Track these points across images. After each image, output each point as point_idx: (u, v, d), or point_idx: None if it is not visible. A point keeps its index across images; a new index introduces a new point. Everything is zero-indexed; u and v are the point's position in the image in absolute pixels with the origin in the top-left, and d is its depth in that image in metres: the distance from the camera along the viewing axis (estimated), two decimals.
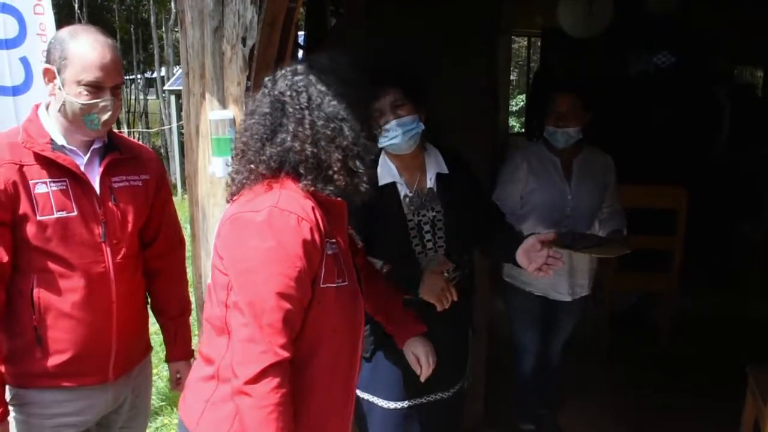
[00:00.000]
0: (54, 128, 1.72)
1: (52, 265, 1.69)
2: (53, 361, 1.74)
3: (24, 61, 2.94)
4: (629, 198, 3.97)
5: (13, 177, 1.63)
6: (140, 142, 2.08)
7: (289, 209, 1.38)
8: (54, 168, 1.68)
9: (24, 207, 1.64)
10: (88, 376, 1.81)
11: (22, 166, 1.64)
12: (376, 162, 2.24)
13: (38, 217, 1.65)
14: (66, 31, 1.71)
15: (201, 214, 2.68)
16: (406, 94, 2.11)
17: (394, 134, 2.08)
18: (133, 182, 1.87)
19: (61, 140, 1.71)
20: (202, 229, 2.69)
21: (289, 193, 1.42)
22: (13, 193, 1.63)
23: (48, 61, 1.69)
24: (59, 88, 1.67)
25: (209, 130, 2.23)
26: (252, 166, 1.47)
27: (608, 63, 5.97)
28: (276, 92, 1.47)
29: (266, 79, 1.52)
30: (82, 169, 1.75)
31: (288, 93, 1.45)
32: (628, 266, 4.12)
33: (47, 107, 1.77)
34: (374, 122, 2.16)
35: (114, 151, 1.83)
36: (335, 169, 1.43)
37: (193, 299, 4.92)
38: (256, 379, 1.34)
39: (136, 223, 1.87)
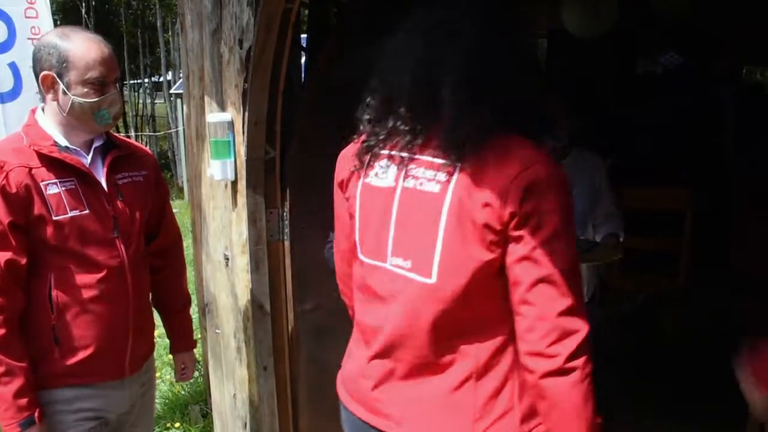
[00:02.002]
0: (54, 131, 1.74)
1: (70, 263, 1.71)
2: (73, 359, 1.74)
3: (13, 66, 2.85)
4: (637, 200, 3.94)
5: (24, 180, 1.64)
6: (135, 142, 2.09)
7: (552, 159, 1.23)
8: (61, 168, 1.70)
9: (38, 208, 1.65)
10: (106, 373, 1.82)
11: (30, 168, 1.66)
12: None
13: (54, 218, 1.66)
14: (53, 35, 1.72)
15: (201, 217, 2.68)
16: None
17: None
18: (135, 178, 1.88)
19: (63, 141, 1.73)
20: (203, 232, 2.69)
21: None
22: (26, 195, 1.64)
23: (43, 68, 1.69)
24: (64, 92, 1.69)
25: (208, 133, 2.22)
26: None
27: (614, 64, 5.94)
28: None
29: None
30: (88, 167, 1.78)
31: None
32: (636, 267, 4.09)
33: (42, 110, 1.78)
34: None
35: (113, 149, 1.84)
36: None
37: (195, 301, 4.88)
38: (579, 350, 1.18)
39: (141, 218, 1.90)
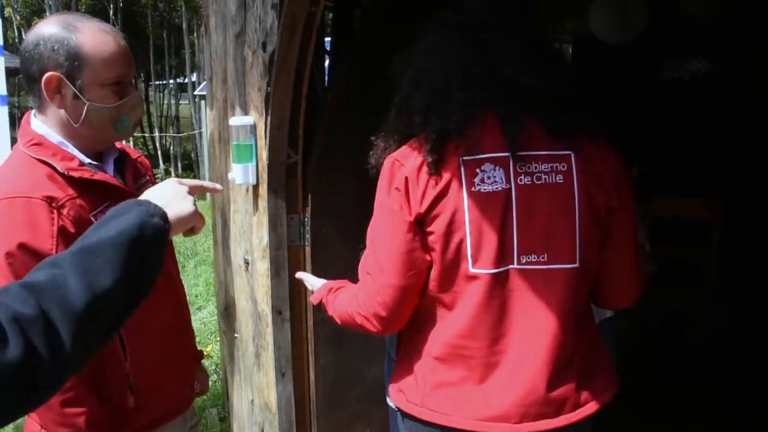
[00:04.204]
0: (65, 144, 1.43)
1: None
2: (148, 406, 1.51)
3: None
4: (663, 208, 3.87)
5: (77, 214, 1.35)
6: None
7: None
8: (99, 193, 1.41)
9: None
10: (180, 406, 1.63)
11: (76, 199, 1.36)
12: None
13: None
14: (53, 26, 1.37)
15: (222, 220, 2.67)
16: None
17: None
18: (147, 185, 1.60)
19: (84, 157, 1.43)
20: (223, 236, 2.68)
21: None
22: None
23: (46, 68, 1.35)
24: (75, 97, 1.37)
25: (230, 136, 2.20)
26: None
27: (643, 69, 5.85)
28: None
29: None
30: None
31: None
32: (660, 278, 4.01)
33: (35, 116, 1.46)
34: None
35: (124, 155, 1.57)
36: None
37: (214, 304, 4.87)
38: None
39: None
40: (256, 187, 2.18)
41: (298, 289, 2.24)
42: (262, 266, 2.21)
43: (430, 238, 1.32)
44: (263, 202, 2.15)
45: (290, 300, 2.22)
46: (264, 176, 2.12)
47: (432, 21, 1.39)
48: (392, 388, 1.50)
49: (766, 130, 5.24)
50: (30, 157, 1.38)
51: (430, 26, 1.38)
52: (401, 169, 1.33)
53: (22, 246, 1.28)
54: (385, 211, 1.35)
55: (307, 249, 2.22)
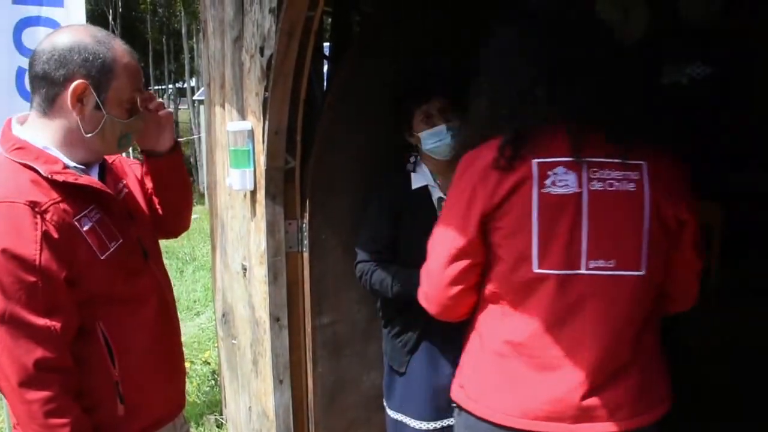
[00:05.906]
0: (54, 151, 1.41)
1: (119, 307, 1.45)
2: (140, 412, 1.48)
3: None
4: None
5: (61, 219, 1.33)
6: None
7: None
8: (83, 197, 1.40)
9: (84, 252, 1.36)
10: (171, 411, 1.60)
11: (60, 203, 1.34)
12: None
13: (101, 257, 1.39)
14: (83, 35, 1.39)
15: (220, 226, 2.65)
16: (453, 102, 2.06)
17: (441, 138, 2.02)
18: (125, 189, 1.60)
19: (68, 161, 1.42)
20: (221, 241, 2.66)
21: None
22: (69, 238, 1.34)
23: (75, 75, 1.36)
24: (97, 108, 1.39)
25: (227, 142, 2.19)
26: None
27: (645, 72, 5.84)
28: None
29: None
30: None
31: None
32: None
33: (19, 123, 1.44)
34: (416, 126, 2.05)
35: (103, 160, 1.55)
36: None
37: (212, 309, 4.85)
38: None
39: (152, 231, 1.67)
40: (253, 193, 2.17)
41: (296, 296, 2.22)
42: (260, 272, 2.20)
43: (497, 235, 1.37)
44: (261, 208, 2.14)
45: (288, 306, 2.21)
46: (262, 182, 2.11)
47: (523, 13, 1.41)
48: (454, 384, 1.55)
49: (766, 134, 5.23)
50: (13, 161, 1.36)
51: (522, 17, 1.41)
52: (475, 163, 1.38)
53: (5, 252, 1.27)
54: (451, 204, 1.42)
55: (305, 255, 2.20)
